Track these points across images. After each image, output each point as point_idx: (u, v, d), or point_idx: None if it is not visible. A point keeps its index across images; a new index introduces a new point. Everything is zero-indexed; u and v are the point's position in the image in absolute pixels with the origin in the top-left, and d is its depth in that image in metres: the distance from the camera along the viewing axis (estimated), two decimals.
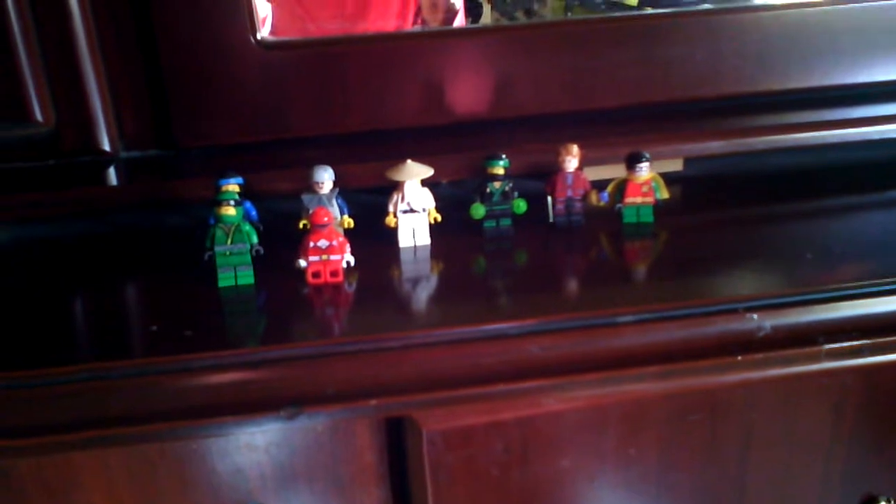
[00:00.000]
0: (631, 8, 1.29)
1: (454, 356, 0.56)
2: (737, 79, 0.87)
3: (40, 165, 0.80)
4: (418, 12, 1.02)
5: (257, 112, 0.81)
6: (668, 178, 0.79)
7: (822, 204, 0.80)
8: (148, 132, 0.82)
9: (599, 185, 0.73)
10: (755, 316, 0.58)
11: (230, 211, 0.61)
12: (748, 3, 0.88)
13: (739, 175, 0.85)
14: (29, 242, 0.76)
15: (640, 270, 0.67)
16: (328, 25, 0.99)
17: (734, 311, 0.58)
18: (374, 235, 0.70)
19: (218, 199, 0.61)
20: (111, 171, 0.80)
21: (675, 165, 0.83)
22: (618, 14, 0.90)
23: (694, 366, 0.57)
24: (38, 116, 0.78)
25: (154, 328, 0.58)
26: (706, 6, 0.90)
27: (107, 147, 0.81)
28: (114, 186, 0.75)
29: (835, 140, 0.82)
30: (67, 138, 0.80)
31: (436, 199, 0.70)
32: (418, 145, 0.81)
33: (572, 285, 0.65)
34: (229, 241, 0.62)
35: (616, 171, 0.79)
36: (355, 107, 0.82)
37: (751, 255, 0.67)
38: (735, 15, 0.86)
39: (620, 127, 0.83)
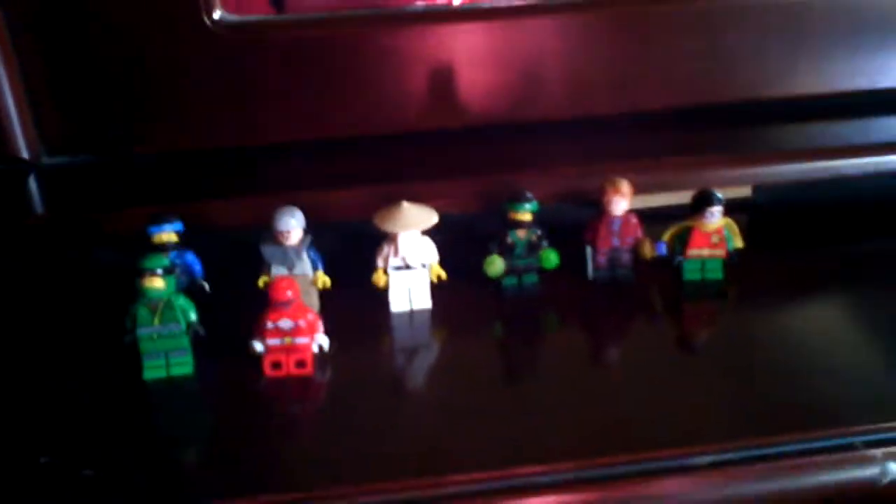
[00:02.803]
0: None
1: None
2: (820, 76, 0.68)
3: None
4: None
5: (213, 111, 0.63)
6: (733, 206, 0.62)
7: None
8: (76, 134, 0.64)
9: (644, 219, 0.56)
10: (878, 453, 0.42)
11: (157, 283, 0.44)
12: None
13: (824, 202, 0.67)
14: None
15: (709, 364, 0.50)
16: None
17: (848, 448, 0.42)
18: (355, 285, 0.53)
19: (140, 268, 0.45)
20: (29, 184, 0.63)
21: (742, 191, 0.66)
22: None
23: None
24: None
25: (43, 459, 0.42)
26: None
27: (24, 153, 0.63)
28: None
29: None
30: None
31: (437, 232, 0.53)
32: (419, 158, 0.64)
33: (619, 394, 0.47)
34: (157, 321, 0.45)
35: (665, 199, 0.62)
36: (339, 106, 0.65)
37: (860, 334, 0.51)
38: None
39: (673, 138, 0.66)
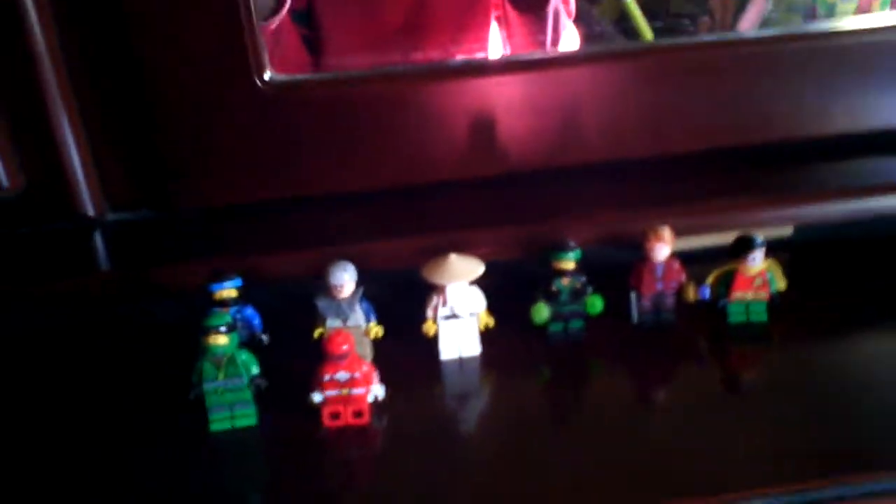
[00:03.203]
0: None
1: None
2: (859, 114, 0.69)
3: (8, 234, 0.66)
4: (504, 23, 0.85)
5: (264, 166, 0.66)
6: (773, 245, 0.63)
7: None
8: (138, 191, 0.68)
9: (685, 260, 0.57)
10: None
11: (221, 340, 0.47)
12: (869, 25, 0.70)
13: (864, 240, 0.68)
14: None
15: (757, 407, 0.51)
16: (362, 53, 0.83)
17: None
18: (406, 334, 0.55)
19: (205, 326, 0.47)
20: (96, 239, 0.66)
21: (784, 231, 0.67)
22: (710, 39, 0.72)
23: None
24: (2, 179, 0.64)
25: None
26: (820, 27, 0.72)
27: (89, 210, 0.67)
28: (69, 280, 0.61)
29: None
30: (40, 202, 0.66)
31: (482, 278, 0.55)
32: (461, 206, 0.66)
33: (667, 439, 0.48)
34: (221, 376, 0.48)
35: (706, 239, 0.63)
36: (383, 158, 0.67)
37: None
38: (853, 38, 0.68)
39: (711, 179, 0.67)
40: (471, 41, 0.88)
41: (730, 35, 0.80)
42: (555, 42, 0.86)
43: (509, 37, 0.88)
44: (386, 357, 0.55)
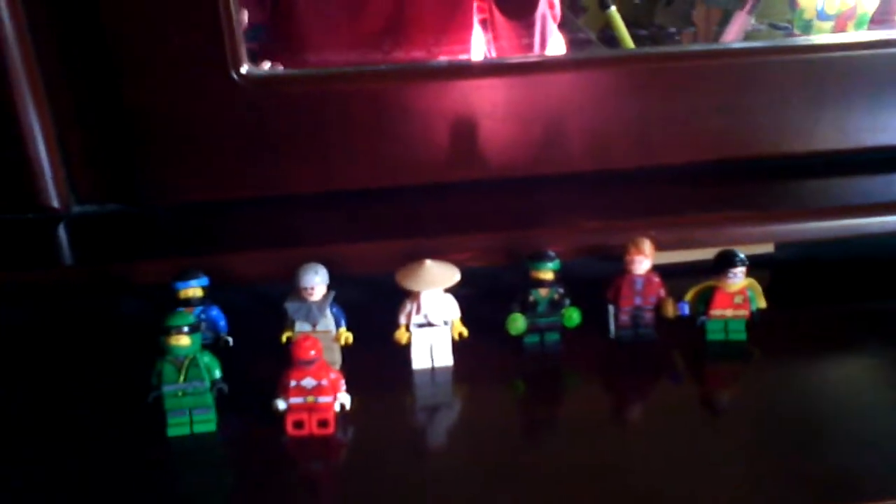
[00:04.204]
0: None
1: None
2: (840, 131, 0.68)
3: None
4: (490, 27, 0.84)
5: (239, 163, 0.64)
6: (755, 262, 0.62)
7: None
8: (106, 184, 0.65)
9: (666, 275, 0.56)
10: None
11: (182, 341, 0.45)
12: (859, 39, 0.69)
13: (846, 258, 0.67)
14: None
15: (732, 426, 0.50)
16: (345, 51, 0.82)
17: None
18: (377, 341, 0.53)
19: (166, 326, 0.45)
20: (60, 232, 0.64)
21: (765, 248, 0.66)
22: (696, 48, 0.71)
23: None
24: None
25: None
26: (810, 40, 0.71)
27: (54, 202, 0.64)
28: (31, 272, 0.58)
29: None
30: (5, 192, 0.63)
31: (459, 287, 0.53)
32: (441, 210, 0.65)
33: (640, 455, 0.47)
34: (182, 379, 0.46)
35: (688, 254, 0.62)
36: (362, 158, 0.65)
37: (886, 395, 0.50)
38: (841, 52, 0.67)
39: (694, 193, 0.66)
40: (452, 44, 0.87)
41: (718, 46, 0.79)
42: (542, 47, 0.85)
43: (496, 41, 0.87)
44: (356, 365, 0.53)
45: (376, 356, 0.54)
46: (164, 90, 0.61)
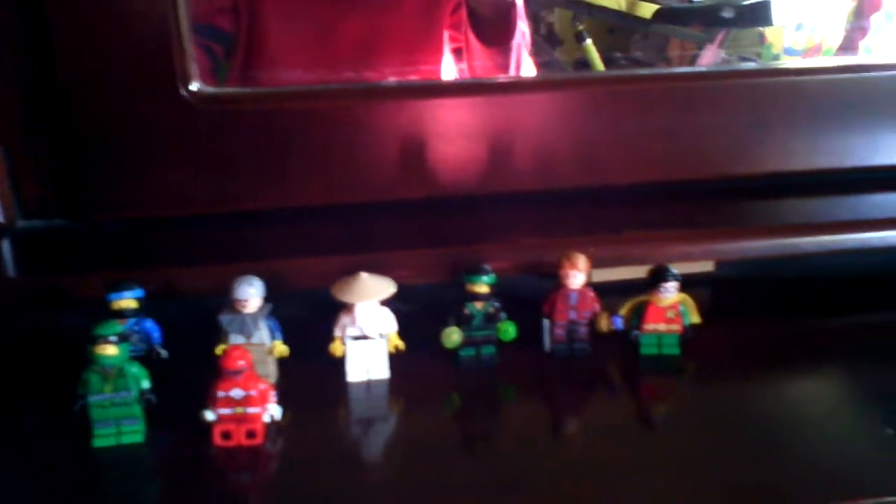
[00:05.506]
0: (642, 20, 1.14)
1: None
2: (783, 154, 0.70)
3: None
4: (466, 55, 0.86)
5: (187, 179, 0.65)
6: (696, 280, 0.63)
7: None
8: (52, 198, 0.65)
9: (606, 292, 0.56)
10: None
11: (109, 350, 0.45)
12: (801, 65, 0.71)
13: (785, 277, 0.68)
14: None
15: (664, 440, 0.50)
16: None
17: None
18: (315, 355, 0.53)
19: (93, 335, 0.45)
20: (4, 246, 0.64)
21: (706, 266, 0.67)
22: (642, 72, 0.73)
23: None
24: None
25: None
26: (750, 65, 0.73)
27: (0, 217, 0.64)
28: None
29: None
30: None
31: (401, 303, 0.53)
32: (385, 227, 0.65)
33: (574, 469, 0.47)
34: (108, 389, 0.45)
35: (628, 272, 0.63)
36: (309, 175, 0.66)
37: (812, 418, 0.51)
38: (785, 77, 0.69)
39: (638, 213, 0.67)
40: (422, 71, 0.88)
41: (663, 70, 0.81)
42: (517, 74, 0.87)
43: (472, 70, 0.88)
44: (292, 378, 0.54)
45: (315, 370, 0.54)
46: (112, 106, 0.62)
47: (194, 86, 0.63)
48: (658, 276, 0.54)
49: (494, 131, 0.67)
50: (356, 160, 0.66)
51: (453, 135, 0.67)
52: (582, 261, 0.54)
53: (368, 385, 0.53)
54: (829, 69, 0.70)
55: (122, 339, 0.46)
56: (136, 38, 0.60)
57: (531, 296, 0.58)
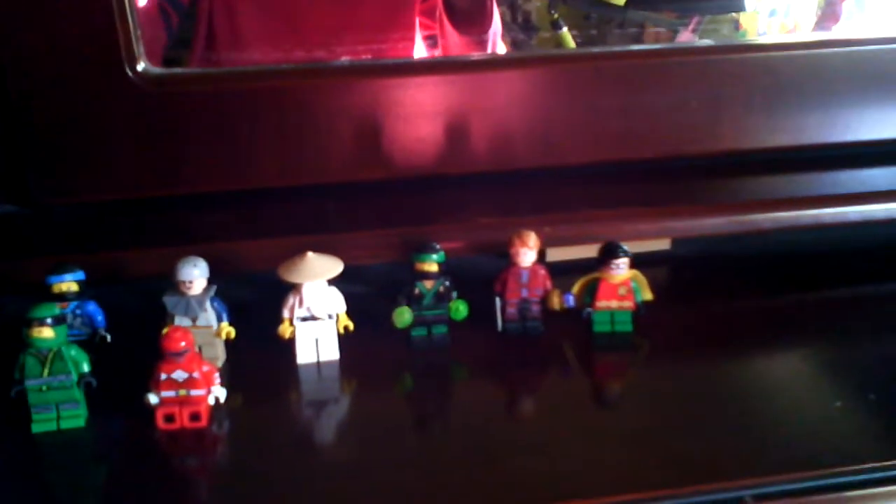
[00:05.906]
0: (617, 7, 1.14)
1: None
2: (739, 132, 0.70)
3: None
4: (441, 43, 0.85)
5: (136, 162, 0.63)
6: (653, 259, 0.63)
7: (858, 291, 0.63)
8: (0, 185, 0.64)
9: (563, 271, 0.56)
10: None
11: (45, 333, 0.44)
12: (755, 41, 0.71)
13: (741, 255, 0.68)
14: None
15: (616, 416, 0.50)
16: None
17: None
18: (264, 337, 0.53)
19: (28, 318, 0.44)
20: None
21: (662, 244, 0.67)
22: (597, 50, 0.73)
23: None
24: None
25: None
26: (706, 42, 0.73)
27: None
28: None
29: (859, 218, 0.66)
30: None
31: (353, 284, 0.53)
32: (339, 209, 0.65)
33: (527, 446, 0.47)
34: (46, 373, 0.44)
35: (586, 251, 0.62)
36: (260, 157, 0.65)
37: (762, 392, 0.51)
38: (740, 55, 0.69)
39: (595, 192, 0.67)
40: (391, 55, 0.87)
41: (618, 48, 0.81)
42: None
43: (447, 55, 0.87)
44: (241, 360, 0.53)
45: (264, 352, 0.53)
46: (57, 88, 0.60)
47: (141, 66, 0.61)
48: (609, 253, 0.54)
49: (449, 112, 0.66)
50: (309, 141, 0.65)
51: (408, 115, 0.66)
52: (532, 238, 0.54)
53: (318, 366, 0.53)
54: (785, 46, 0.70)
55: (59, 321, 0.45)
56: (79, 16, 0.59)
57: (488, 275, 0.57)
